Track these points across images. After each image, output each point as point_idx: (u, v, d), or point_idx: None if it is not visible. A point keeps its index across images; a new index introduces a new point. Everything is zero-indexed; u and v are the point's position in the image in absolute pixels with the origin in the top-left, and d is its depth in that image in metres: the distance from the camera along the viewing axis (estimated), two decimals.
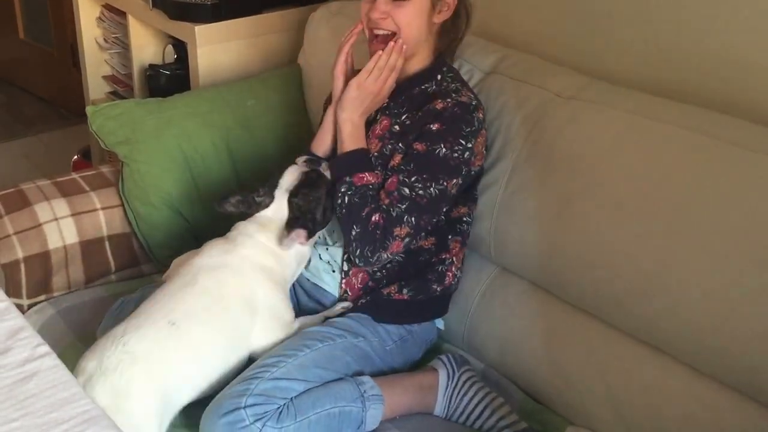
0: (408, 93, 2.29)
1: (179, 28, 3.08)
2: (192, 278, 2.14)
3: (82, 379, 1.95)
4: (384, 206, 2.15)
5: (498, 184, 2.29)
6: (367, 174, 2.19)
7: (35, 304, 2.54)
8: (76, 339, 2.38)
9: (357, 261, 2.18)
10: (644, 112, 2.09)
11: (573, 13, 2.43)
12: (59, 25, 4.91)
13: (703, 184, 1.92)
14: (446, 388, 2.20)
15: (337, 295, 2.33)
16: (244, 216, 2.27)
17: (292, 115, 2.90)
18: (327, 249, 2.35)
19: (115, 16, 3.59)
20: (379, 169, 2.23)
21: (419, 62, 2.30)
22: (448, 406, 2.20)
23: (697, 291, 1.89)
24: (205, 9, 3.01)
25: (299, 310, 2.38)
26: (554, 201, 2.17)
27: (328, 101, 2.40)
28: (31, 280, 2.52)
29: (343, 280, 2.29)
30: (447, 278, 2.30)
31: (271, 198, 2.25)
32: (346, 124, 2.23)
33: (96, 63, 3.80)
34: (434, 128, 2.17)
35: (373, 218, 2.14)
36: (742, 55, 2.08)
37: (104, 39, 3.73)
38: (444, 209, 2.21)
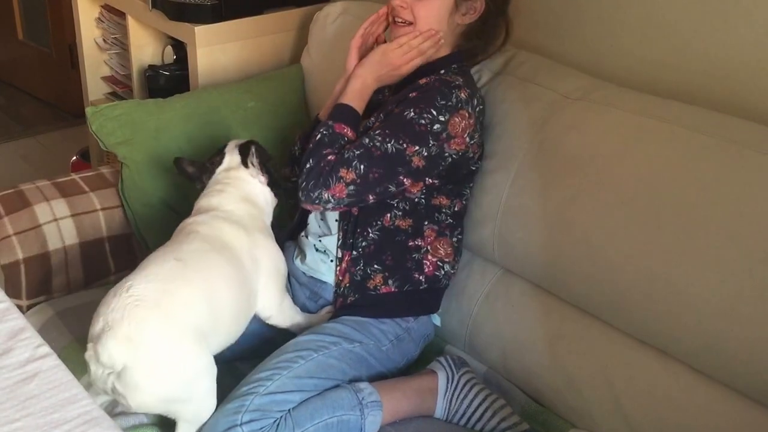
0: (411, 80, 2.30)
1: (179, 29, 3.07)
2: (191, 232, 2.16)
3: (92, 345, 1.85)
4: (342, 150, 2.15)
5: (503, 185, 2.28)
6: (348, 128, 2.20)
7: (35, 305, 2.54)
8: (76, 340, 2.36)
9: (301, 195, 2.15)
10: (651, 114, 2.08)
11: (579, 15, 2.42)
12: (58, 26, 4.92)
13: (709, 186, 1.91)
14: (446, 390, 2.20)
15: (333, 283, 2.32)
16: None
17: (292, 115, 2.90)
18: (320, 240, 2.35)
19: (114, 17, 3.58)
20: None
21: (435, 55, 2.31)
22: (449, 409, 2.19)
23: (703, 294, 1.88)
24: (204, 10, 3.01)
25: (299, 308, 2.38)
26: (560, 202, 2.16)
27: None
28: (31, 281, 2.52)
29: (338, 268, 2.29)
30: (426, 267, 2.28)
31: (222, 155, 2.36)
32: (357, 80, 2.26)
33: (95, 64, 3.79)
34: (411, 95, 2.19)
35: (328, 157, 2.14)
36: (749, 56, 2.07)
37: (103, 40, 3.72)
38: (402, 178, 2.16)
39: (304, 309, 2.38)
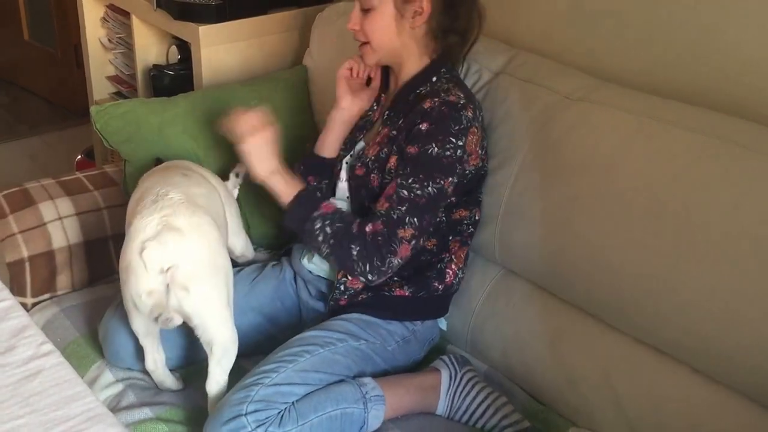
0: (404, 99, 2.27)
1: (183, 29, 3.07)
2: (168, 172, 2.32)
3: (143, 251, 1.98)
4: (382, 212, 2.13)
5: (504, 186, 2.28)
6: (329, 205, 2.20)
7: (39, 302, 2.54)
8: (80, 337, 2.38)
9: (370, 277, 2.13)
10: (653, 115, 2.07)
11: (581, 14, 2.41)
12: (63, 26, 4.93)
13: (710, 187, 1.90)
14: (448, 388, 2.20)
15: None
16: None
17: (296, 115, 2.90)
18: None
19: (119, 17, 3.58)
20: (375, 172, 2.22)
21: (412, 67, 2.28)
22: (451, 406, 2.19)
23: (704, 294, 1.88)
24: (209, 9, 3.01)
25: (302, 308, 2.40)
26: (561, 203, 2.16)
27: None
28: (36, 278, 2.52)
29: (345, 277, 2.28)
30: (448, 276, 2.28)
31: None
32: (271, 179, 2.24)
33: (100, 63, 3.79)
34: (423, 128, 2.14)
35: (367, 229, 2.11)
36: (752, 56, 2.07)
37: (108, 39, 3.72)
38: (442, 208, 2.18)
39: (306, 306, 2.38)
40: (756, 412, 1.88)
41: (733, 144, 1.92)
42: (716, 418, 1.92)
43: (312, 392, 2.03)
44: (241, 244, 2.48)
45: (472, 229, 2.31)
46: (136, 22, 3.38)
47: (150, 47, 3.46)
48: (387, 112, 2.31)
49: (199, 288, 2.02)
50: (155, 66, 3.42)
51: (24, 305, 2.46)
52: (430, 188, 2.11)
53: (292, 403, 1.99)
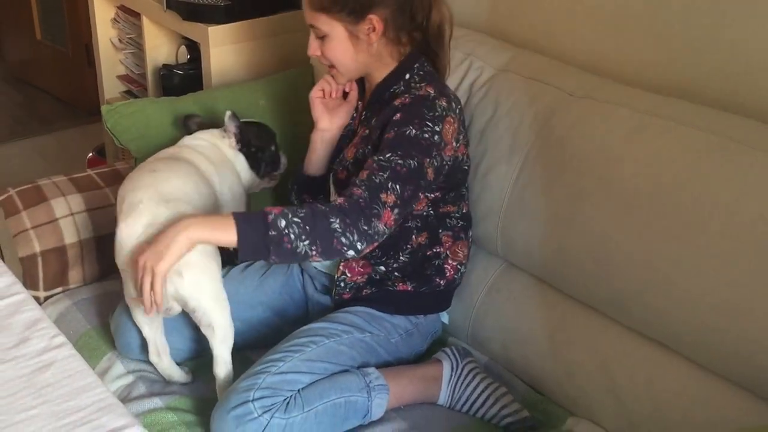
0: (379, 99, 2.26)
1: (192, 29, 3.09)
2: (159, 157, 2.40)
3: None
4: (362, 179, 2.02)
5: (507, 180, 2.27)
6: (268, 208, 1.96)
7: (52, 296, 2.56)
8: (92, 329, 2.40)
9: (359, 246, 1.96)
10: (654, 112, 2.07)
11: (582, 13, 2.41)
12: (75, 27, 4.93)
13: (710, 183, 1.90)
14: (450, 378, 2.21)
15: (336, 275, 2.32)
16: None
17: (302, 114, 2.90)
18: None
19: (129, 17, 3.59)
20: (353, 174, 2.17)
21: (384, 72, 2.25)
22: (452, 396, 2.20)
23: (703, 288, 1.88)
24: (218, 10, 3.02)
25: (309, 302, 2.41)
26: (563, 198, 2.16)
27: None
28: (48, 273, 2.53)
29: (342, 262, 2.27)
30: (447, 272, 2.29)
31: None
32: (204, 234, 1.95)
33: (111, 63, 3.81)
34: (397, 117, 2.11)
35: (341, 199, 1.99)
36: (753, 55, 2.06)
37: (119, 39, 3.74)
38: (421, 194, 2.13)
39: (312, 300, 2.39)
40: (750, 402, 1.88)
41: (733, 140, 1.92)
42: (712, 408, 1.92)
43: (317, 381, 2.05)
44: None
45: (463, 223, 2.30)
46: (146, 23, 3.39)
47: (160, 47, 3.48)
48: (364, 113, 2.32)
49: (191, 272, 2.06)
50: (165, 65, 3.44)
51: (37, 299, 2.47)
52: (410, 161, 2.04)
53: (298, 390, 2.01)
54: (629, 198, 2.02)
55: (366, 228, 1.96)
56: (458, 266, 2.30)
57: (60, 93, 5.35)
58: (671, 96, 2.15)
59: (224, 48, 3.04)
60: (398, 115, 2.11)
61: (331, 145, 2.40)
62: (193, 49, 3.31)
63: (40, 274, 2.52)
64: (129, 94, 3.75)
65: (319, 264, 2.37)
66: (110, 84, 3.81)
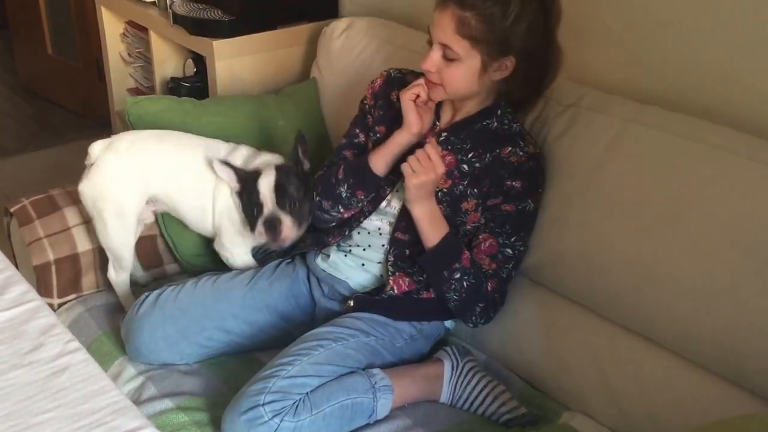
0: (469, 129, 2.24)
1: (198, 43, 3.09)
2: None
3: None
4: (491, 272, 2.19)
5: None
6: (465, 252, 2.18)
7: (65, 302, 2.56)
8: (103, 335, 2.40)
9: (481, 323, 2.25)
10: (637, 120, 2.10)
11: (570, 27, 2.42)
12: (85, 41, 4.93)
13: (691, 187, 1.94)
14: (451, 377, 2.22)
15: (351, 282, 2.35)
16: None
17: (313, 129, 2.89)
18: (351, 250, 2.37)
19: (138, 32, 3.60)
20: (443, 205, 2.21)
21: (479, 103, 2.25)
22: (453, 394, 2.21)
23: (686, 286, 1.92)
24: (222, 25, 3.02)
25: (315, 305, 2.41)
26: (554, 203, 2.19)
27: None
28: (62, 280, 2.54)
29: (390, 278, 2.28)
30: None
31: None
32: (423, 219, 2.17)
33: (120, 76, 3.81)
34: (517, 186, 2.16)
35: (488, 287, 2.19)
36: (728, 68, 2.08)
37: (128, 53, 3.74)
38: None
39: (319, 305, 2.39)
40: (731, 390, 1.93)
41: (711, 146, 1.96)
42: (697, 397, 1.97)
43: (325, 383, 2.06)
44: (218, 242, 2.53)
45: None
46: (154, 37, 3.40)
47: (167, 61, 3.48)
48: (445, 134, 2.26)
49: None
50: (173, 78, 3.43)
51: (51, 306, 2.47)
52: (527, 237, 2.20)
53: (307, 393, 2.01)
54: (615, 201, 2.07)
55: (492, 315, 2.25)
56: None
57: (72, 105, 5.35)
58: (652, 105, 2.17)
59: (229, 61, 3.05)
60: (518, 182, 2.16)
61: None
62: (199, 62, 3.32)
63: (54, 282, 2.52)
64: None
65: (329, 267, 2.38)
66: (120, 96, 3.80)
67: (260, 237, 2.35)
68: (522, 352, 2.29)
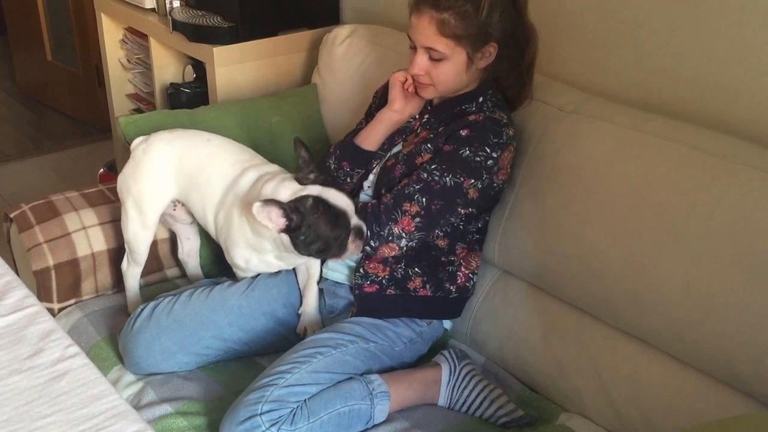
0: (449, 111, 2.28)
1: (198, 50, 3.09)
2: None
3: None
4: (397, 188, 2.19)
5: (509, 195, 2.32)
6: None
7: (65, 307, 2.55)
8: (102, 340, 2.39)
9: (372, 243, 2.18)
10: (637, 127, 2.11)
11: (572, 35, 2.42)
12: (84, 48, 4.93)
13: (687, 193, 1.96)
14: (449, 381, 2.22)
15: (349, 283, 2.34)
16: None
17: (312, 129, 2.90)
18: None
19: (137, 39, 3.60)
20: (401, 164, 2.25)
21: (462, 89, 2.27)
22: (451, 398, 2.21)
23: (680, 290, 1.95)
24: (222, 32, 3.02)
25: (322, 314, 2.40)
26: (554, 208, 2.20)
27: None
28: (62, 285, 2.53)
29: (365, 260, 2.28)
30: (459, 279, 2.30)
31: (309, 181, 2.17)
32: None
33: (120, 82, 3.80)
34: (463, 134, 2.17)
35: (371, 203, 2.20)
36: (725, 78, 2.11)
37: (127, 60, 3.74)
38: (460, 210, 2.19)
39: (324, 310, 2.39)
40: (723, 391, 1.95)
41: (708, 153, 1.98)
42: (693, 400, 1.98)
43: (322, 390, 2.05)
44: (226, 251, 2.40)
45: (478, 236, 2.33)
46: (153, 44, 3.40)
47: (167, 67, 3.48)
48: (427, 116, 2.32)
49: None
50: (172, 84, 3.44)
51: (50, 311, 2.47)
52: (447, 179, 2.15)
53: (304, 401, 2.01)
54: (613, 207, 2.08)
55: (378, 229, 2.17)
56: (470, 275, 2.32)
57: (72, 111, 5.35)
58: (651, 112, 2.19)
59: (229, 67, 3.04)
60: (465, 131, 2.17)
61: (393, 128, 2.35)
62: (199, 68, 3.32)
63: (54, 287, 2.51)
64: (138, 112, 3.75)
65: (332, 273, 2.38)
66: (120, 102, 3.81)
67: (354, 252, 2.16)
68: (520, 354, 2.30)
